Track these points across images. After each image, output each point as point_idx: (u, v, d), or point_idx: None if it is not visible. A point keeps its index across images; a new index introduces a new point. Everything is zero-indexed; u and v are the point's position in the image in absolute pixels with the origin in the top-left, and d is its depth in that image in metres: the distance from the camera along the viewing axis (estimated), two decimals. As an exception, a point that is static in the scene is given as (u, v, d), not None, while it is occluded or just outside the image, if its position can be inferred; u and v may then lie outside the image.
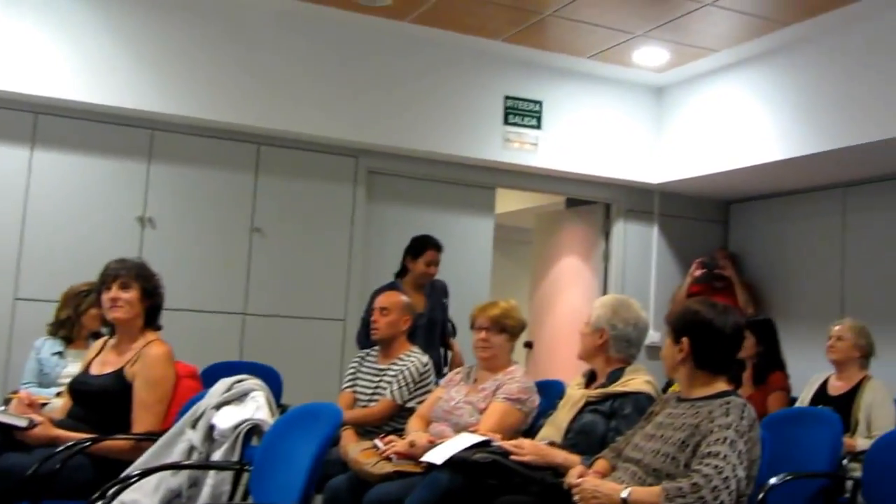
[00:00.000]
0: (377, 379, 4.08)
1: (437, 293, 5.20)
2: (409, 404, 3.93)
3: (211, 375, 3.58)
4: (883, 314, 5.31)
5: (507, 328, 3.73)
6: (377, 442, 3.45)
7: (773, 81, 5.52)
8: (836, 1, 4.81)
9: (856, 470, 3.69)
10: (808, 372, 4.75)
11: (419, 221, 5.67)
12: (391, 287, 4.82)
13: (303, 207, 5.63)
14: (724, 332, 2.68)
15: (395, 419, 3.93)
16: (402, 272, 5.16)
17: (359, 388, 4.12)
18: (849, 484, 3.58)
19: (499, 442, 3.05)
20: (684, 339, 2.70)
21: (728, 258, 6.57)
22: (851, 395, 4.36)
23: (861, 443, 4.03)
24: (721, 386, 2.69)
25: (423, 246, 5.11)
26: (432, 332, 5.08)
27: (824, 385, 4.56)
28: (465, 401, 3.62)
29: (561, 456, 2.96)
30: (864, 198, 5.83)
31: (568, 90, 6.18)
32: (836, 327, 4.54)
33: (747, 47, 5.56)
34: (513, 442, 3.02)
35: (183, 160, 5.34)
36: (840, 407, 4.13)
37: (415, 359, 4.06)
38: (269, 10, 5.33)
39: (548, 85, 6.12)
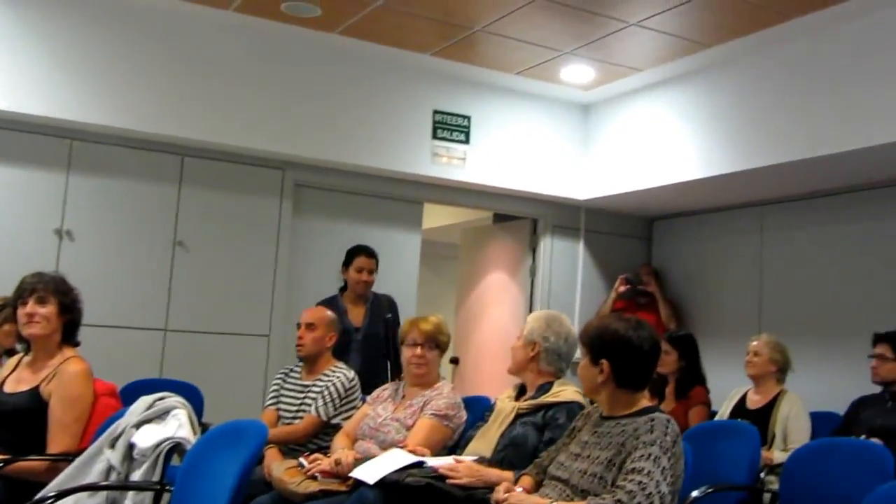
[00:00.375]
0: (302, 395, 4.01)
1: (378, 307, 5.13)
2: (335, 421, 3.88)
3: (131, 393, 3.52)
4: (798, 329, 5.45)
5: (440, 344, 3.73)
6: (302, 460, 3.40)
7: (695, 101, 5.66)
8: (755, 25, 4.97)
9: (773, 483, 3.79)
10: (727, 386, 4.87)
11: (346, 236, 5.62)
12: (330, 301, 4.77)
13: (227, 221, 5.53)
14: (642, 348, 2.67)
15: (319, 436, 3.87)
16: (344, 287, 5.12)
17: (283, 406, 4.05)
18: (766, 496, 3.69)
19: (433, 463, 3.02)
20: (604, 362, 2.68)
21: (652, 274, 6.67)
22: (768, 408, 4.48)
23: (778, 455, 4.14)
24: (644, 402, 2.71)
25: (353, 253, 5.09)
26: (370, 347, 5.00)
27: (743, 399, 4.67)
28: (392, 417, 3.60)
29: (494, 474, 2.96)
30: (781, 216, 6.00)
31: (496, 106, 6.22)
32: (753, 343, 4.67)
33: (670, 67, 5.69)
34: (448, 465, 2.99)
35: (103, 171, 5.19)
36: (758, 420, 4.24)
37: (340, 374, 4.00)
38: (194, 18, 5.23)
39: (476, 100, 6.15)
